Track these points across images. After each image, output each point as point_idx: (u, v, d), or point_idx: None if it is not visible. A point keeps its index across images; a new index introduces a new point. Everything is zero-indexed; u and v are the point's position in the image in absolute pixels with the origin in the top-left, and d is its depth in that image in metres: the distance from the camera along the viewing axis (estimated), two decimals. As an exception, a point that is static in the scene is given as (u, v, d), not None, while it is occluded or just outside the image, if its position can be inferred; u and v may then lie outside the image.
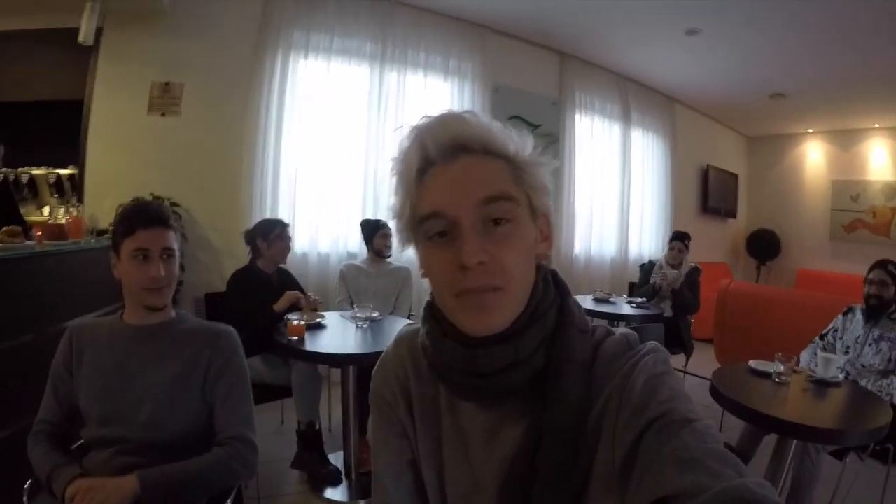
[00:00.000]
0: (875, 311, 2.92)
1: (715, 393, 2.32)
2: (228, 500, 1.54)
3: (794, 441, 2.34)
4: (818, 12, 4.45)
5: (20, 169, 4.06)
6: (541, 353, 0.71)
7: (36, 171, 4.25)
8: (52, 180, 4.30)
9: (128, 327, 1.51)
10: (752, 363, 2.62)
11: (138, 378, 1.44)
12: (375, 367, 0.91)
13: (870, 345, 2.86)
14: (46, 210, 3.10)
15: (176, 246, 1.50)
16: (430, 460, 0.83)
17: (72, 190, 4.24)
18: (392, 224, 0.79)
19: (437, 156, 0.70)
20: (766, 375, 2.49)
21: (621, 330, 0.77)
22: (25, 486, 1.48)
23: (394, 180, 0.75)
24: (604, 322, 4.03)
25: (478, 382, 0.71)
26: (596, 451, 0.65)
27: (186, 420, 1.46)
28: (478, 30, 5.13)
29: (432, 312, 0.79)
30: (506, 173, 0.71)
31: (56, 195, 4.31)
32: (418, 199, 0.71)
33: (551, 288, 0.77)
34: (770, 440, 2.60)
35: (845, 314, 3.09)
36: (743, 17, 4.65)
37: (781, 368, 2.44)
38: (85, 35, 3.59)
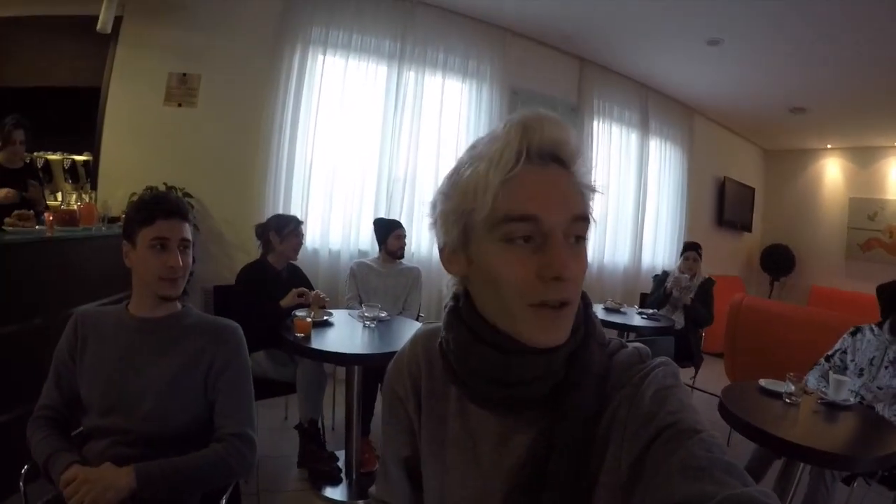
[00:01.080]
0: None
1: (724, 410, 2.28)
2: (224, 497, 1.52)
3: (806, 466, 2.29)
4: (842, 27, 4.39)
5: (36, 153, 4.09)
6: (564, 365, 0.71)
7: (51, 157, 4.28)
8: (66, 166, 4.33)
9: (133, 319, 1.50)
10: (762, 382, 2.57)
11: (141, 370, 1.44)
12: (391, 362, 0.91)
13: (886, 367, 2.79)
14: (60, 195, 3.14)
15: (191, 238, 1.51)
16: (431, 461, 0.83)
17: (86, 176, 4.26)
18: (439, 207, 0.73)
19: (535, 155, 0.67)
20: (777, 395, 2.44)
21: (634, 344, 0.76)
22: (22, 470, 1.47)
23: (469, 168, 0.69)
24: (614, 333, 4.00)
25: (501, 391, 0.71)
26: (604, 459, 0.65)
27: (187, 414, 1.46)
28: (498, 32, 5.11)
29: (459, 316, 0.75)
30: (582, 193, 0.70)
31: (70, 181, 4.34)
32: (505, 197, 0.66)
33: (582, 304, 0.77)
34: (780, 462, 2.55)
35: (853, 334, 3.00)
36: (766, 30, 4.60)
37: (792, 389, 2.40)
38: (103, 23, 3.61)
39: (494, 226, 0.66)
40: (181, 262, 1.46)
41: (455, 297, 0.78)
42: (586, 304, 0.77)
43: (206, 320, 1.58)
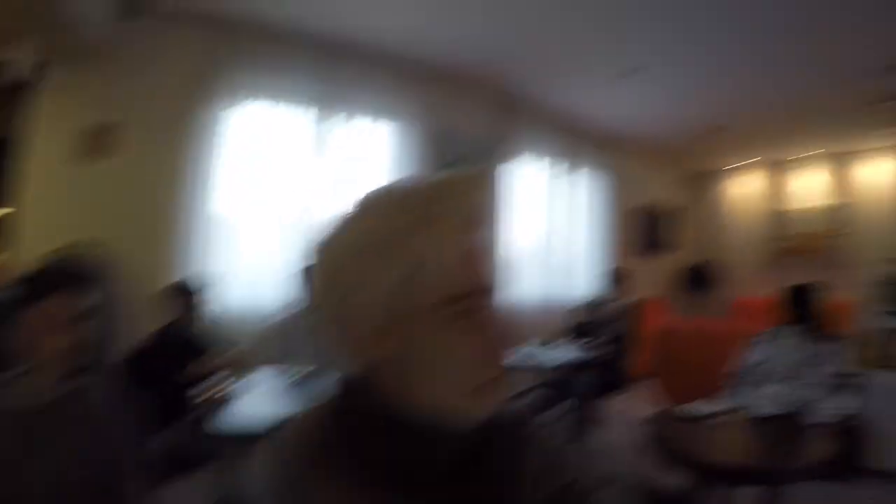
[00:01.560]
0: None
1: (649, 440, 2.28)
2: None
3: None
4: (751, 42, 4.59)
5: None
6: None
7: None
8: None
9: (14, 402, 1.36)
10: (685, 406, 2.55)
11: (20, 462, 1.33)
12: (257, 457, 0.75)
13: (813, 366, 2.69)
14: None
15: (91, 307, 1.42)
16: None
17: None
18: (366, 279, 0.61)
19: (483, 221, 0.64)
20: (702, 418, 2.42)
21: (518, 404, 0.76)
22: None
23: (419, 233, 0.60)
24: (536, 371, 3.97)
25: (409, 474, 0.65)
26: None
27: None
28: (416, 71, 5.11)
29: (367, 400, 0.67)
30: None
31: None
32: (465, 267, 0.61)
33: None
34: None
35: (764, 341, 2.92)
36: (686, 53, 4.76)
37: (715, 409, 2.41)
38: (20, 72, 3.53)
39: (452, 301, 0.60)
40: (71, 341, 1.35)
41: (349, 383, 0.70)
42: None
43: (94, 403, 1.43)
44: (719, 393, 2.44)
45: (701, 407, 2.50)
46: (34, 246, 3.58)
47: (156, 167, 4.11)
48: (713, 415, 2.39)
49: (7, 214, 3.99)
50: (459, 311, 0.61)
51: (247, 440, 2.81)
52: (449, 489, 0.65)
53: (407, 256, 0.60)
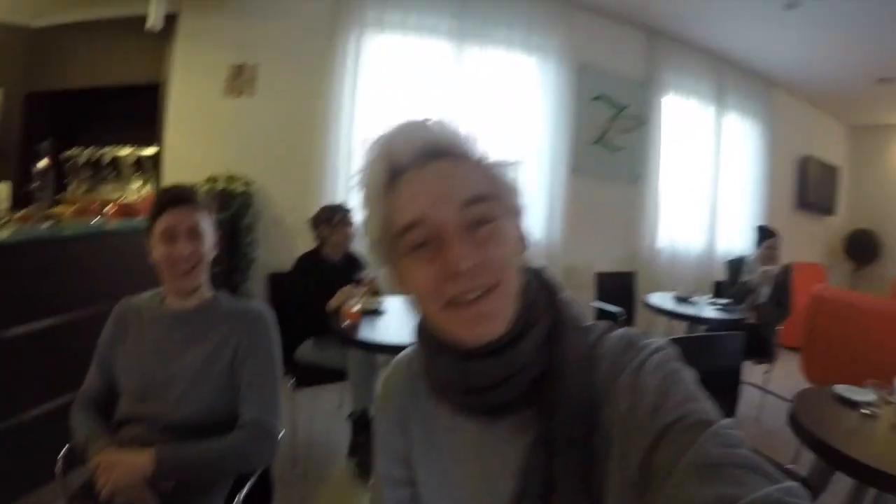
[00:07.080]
0: None
1: (794, 421, 2.05)
2: (249, 482, 1.52)
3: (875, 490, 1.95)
4: None
5: (104, 149, 4.28)
6: (538, 358, 0.68)
7: (119, 152, 4.46)
8: (133, 160, 4.49)
9: (167, 310, 1.53)
10: (838, 388, 2.22)
11: (173, 359, 1.47)
12: (376, 392, 0.88)
13: None
14: (133, 187, 3.25)
15: (205, 226, 1.50)
16: (434, 484, 0.81)
17: (154, 170, 4.41)
18: (364, 243, 0.75)
19: (407, 162, 0.67)
20: (854, 405, 2.10)
21: (624, 329, 0.72)
22: (59, 456, 1.52)
23: (361, 195, 0.71)
24: (683, 325, 3.81)
25: (475, 399, 0.69)
26: (610, 457, 0.62)
27: (214, 401, 1.47)
28: (562, 4, 4.84)
29: (423, 330, 0.76)
30: (479, 174, 0.69)
31: (137, 174, 4.51)
32: (393, 211, 0.67)
33: (542, 288, 0.74)
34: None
35: None
36: None
37: (872, 398, 2.15)
38: (153, 21, 3.72)
39: (396, 242, 0.67)
40: (188, 251, 1.44)
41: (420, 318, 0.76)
42: (553, 291, 0.74)
43: (236, 306, 1.58)
44: (874, 382, 2.14)
45: (855, 392, 2.19)
46: (179, 180, 4.01)
47: (290, 102, 4.10)
48: (867, 403, 2.09)
49: (155, 153, 4.41)
50: (406, 247, 0.66)
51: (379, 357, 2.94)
52: (525, 413, 0.67)
53: (367, 216, 0.72)
